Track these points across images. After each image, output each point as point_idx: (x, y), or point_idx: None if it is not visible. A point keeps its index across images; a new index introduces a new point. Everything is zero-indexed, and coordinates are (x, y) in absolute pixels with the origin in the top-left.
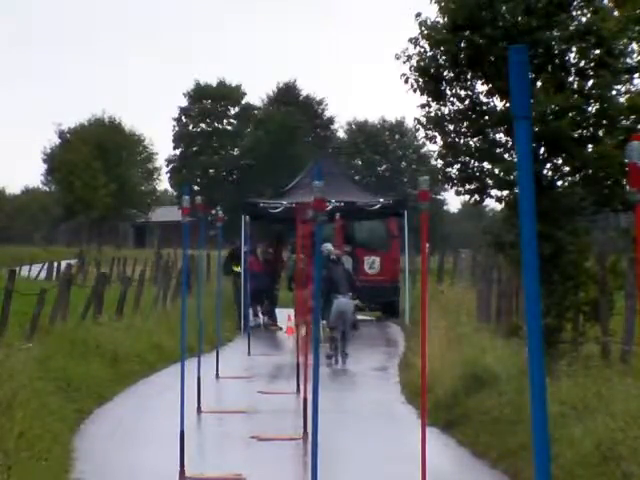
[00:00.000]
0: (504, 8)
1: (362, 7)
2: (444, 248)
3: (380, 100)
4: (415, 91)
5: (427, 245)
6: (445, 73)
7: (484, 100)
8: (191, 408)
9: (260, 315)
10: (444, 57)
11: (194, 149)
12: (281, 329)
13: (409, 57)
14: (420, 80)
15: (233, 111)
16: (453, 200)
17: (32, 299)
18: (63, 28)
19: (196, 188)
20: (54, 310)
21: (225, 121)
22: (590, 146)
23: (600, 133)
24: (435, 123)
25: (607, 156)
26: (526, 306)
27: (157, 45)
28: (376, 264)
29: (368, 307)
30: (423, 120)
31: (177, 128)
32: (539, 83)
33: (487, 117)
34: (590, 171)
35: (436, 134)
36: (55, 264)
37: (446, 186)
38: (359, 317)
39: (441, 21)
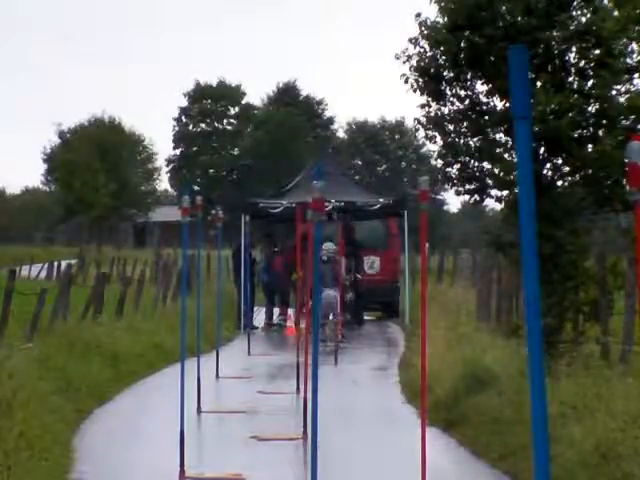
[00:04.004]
0: (504, 8)
1: (362, 7)
2: (444, 248)
3: (380, 100)
4: (415, 91)
5: (427, 245)
6: (445, 73)
7: (484, 100)
8: (191, 408)
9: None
10: (444, 57)
11: (194, 149)
12: (281, 327)
13: (409, 57)
14: (420, 80)
15: (233, 111)
16: (453, 200)
17: (32, 299)
18: (63, 28)
19: (196, 188)
20: (54, 310)
21: (225, 121)
22: (590, 146)
23: (600, 133)
24: (435, 123)
25: (607, 156)
26: (526, 306)
27: (157, 45)
28: (376, 264)
29: (368, 306)
30: (423, 120)
31: (177, 128)
32: (539, 83)
33: (487, 117)
34: (590, 171)
35: (436, 134)
36: (55, 264)
37: (446, 186)
38: (366, 317)
39: (441, 21)
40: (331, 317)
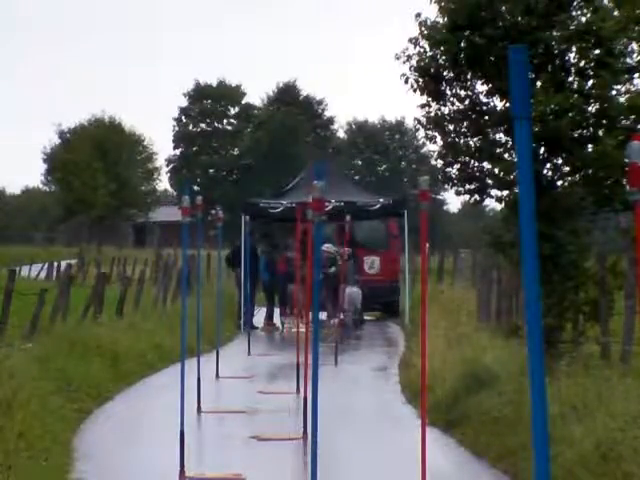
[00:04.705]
0: (504, 8)
1: (362, 7)
2: (444, 248)
3: (380, 100)
4: (415, 91)
5: (427, 245)
6: (445, 73)
7: (484, 100)
8: (191, 408)
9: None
10: (444, 57)
11: (194, 149)
12: (279, 329)
13: (409, 57)
14: (420, 80)
15: (233, 111)
16: (453, 200)
17: (32, 299)
18: (63, 28)
19: (196, 188)
20: (54, 310)
21: (225, 121)
22: (590, 146)
23: (600, 133)
24: (435, 123)
25: (607, 156)
26: (526, 306)
27: (157, 45)
28: (376, 264)
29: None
30: (423, 120)
31: (177, 128)
32: (539, 83)
33: (487, 117)
34: (590, 171)
35: (436, 134)
36: (55, 264)
37: (446, 186)
38: (366, 317)
39: (441, 21)
40: (350, 314)
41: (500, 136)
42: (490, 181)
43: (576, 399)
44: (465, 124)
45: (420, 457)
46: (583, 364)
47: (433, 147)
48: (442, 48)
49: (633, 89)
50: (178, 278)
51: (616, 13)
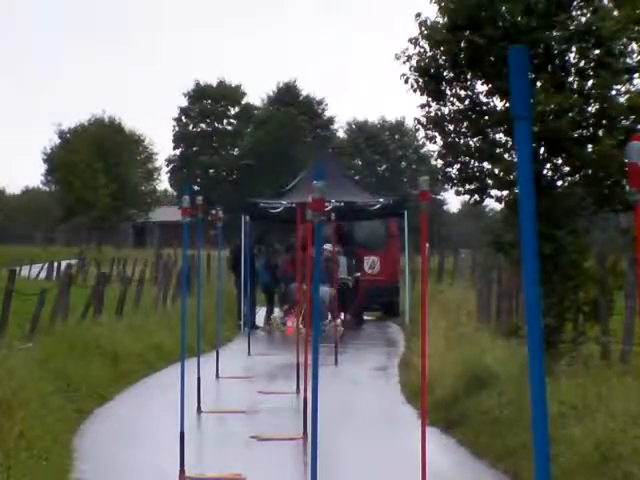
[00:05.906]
0: (504, 8)
1: (362, 7)
2: (444, 248)
3: (380, 100)
4: (415, 91)
5: (427, 245)
6: (445, 73)
7: (484, 100)
8: (191, 408)
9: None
10: (444, 57)
11: (194, 149)
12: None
13: (409, 57)
14: (420, 80)
15: (233, 111)
16: (453, 200)
17: (32, 299)
18: (63, 28)
19: (196, 188)
20: (54, 310)
21: (225, 121)
22: (590, 146)
23: (600, 133)
24: (435, 123)
25: (607, 156)
26: (526, 306)
27: (157, 45)
28: (376, 264)
29: (368, 307)
30: (423, 120)
31: (177, 128)
32: (539, 83)
33: (487, 117)
34: (590, 171)
35: (436, 134)
36: (55, 264)
37: (446, 186)
38: (366, 317)
39: (441, 21)
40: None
41: (500, 136)
42: (490, 181)
43: (576, 399)
44: (465, 124)
45: (420, 457)
46: (583, 364)
47: (433, 147)
48: (442, 48)
49: (633, 89)
50: (178, 278)
51: (616, 13)
